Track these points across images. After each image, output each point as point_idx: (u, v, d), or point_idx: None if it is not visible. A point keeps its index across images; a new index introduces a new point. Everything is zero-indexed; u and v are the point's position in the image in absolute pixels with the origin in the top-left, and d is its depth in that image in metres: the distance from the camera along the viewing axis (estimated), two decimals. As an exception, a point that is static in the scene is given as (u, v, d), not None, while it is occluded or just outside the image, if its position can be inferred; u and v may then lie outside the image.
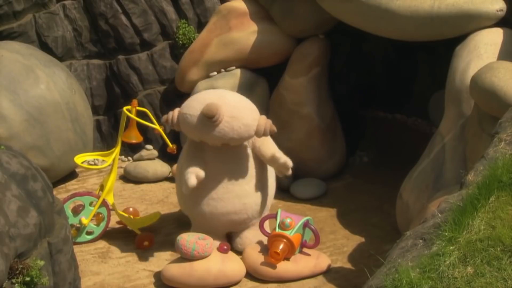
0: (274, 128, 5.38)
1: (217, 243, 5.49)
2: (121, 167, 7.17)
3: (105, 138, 7.67)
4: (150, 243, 5.84)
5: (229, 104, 5.33)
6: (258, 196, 5.60)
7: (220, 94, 5.54)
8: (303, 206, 6.48)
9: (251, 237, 5.68)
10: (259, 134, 5.35)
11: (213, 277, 5.29)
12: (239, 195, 5.51)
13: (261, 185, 5.62)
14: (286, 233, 5.35)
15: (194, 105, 5.37)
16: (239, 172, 5.52)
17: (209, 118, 5.20)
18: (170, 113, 5.46)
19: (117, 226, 6.12)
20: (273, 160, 5.47)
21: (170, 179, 7.11)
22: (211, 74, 7.13)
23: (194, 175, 5.25)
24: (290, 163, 5.43)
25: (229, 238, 5.73)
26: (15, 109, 6.48)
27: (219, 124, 5.24)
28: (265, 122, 5.37)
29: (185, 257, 5.31)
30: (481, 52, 5.43)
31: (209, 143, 5.41)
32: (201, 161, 5.42)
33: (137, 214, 6.24)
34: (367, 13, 5.94)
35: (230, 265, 5.37)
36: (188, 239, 5.27)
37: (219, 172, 5.48)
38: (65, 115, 6.84)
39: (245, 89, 7.04)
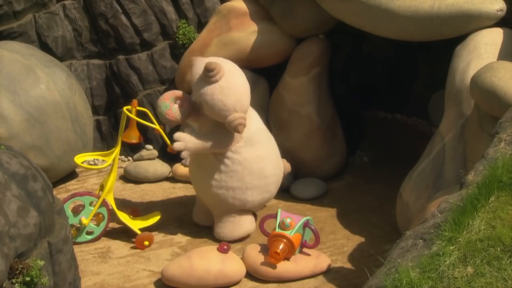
0: (241, 131, 5.52)
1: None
2: (121, 167, 7.17)
3: (105, 138, 7.67)
4: (150, 243, 5.85)
5: (233, 78, 5.59)
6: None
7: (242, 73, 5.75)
8: (303, 206, 6.47)
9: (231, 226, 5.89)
10: (229, 125, 5.51)
11: (213, 277, 5.29)
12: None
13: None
14: (286, 233, 5.35)
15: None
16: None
17: (207, 71, 5.47)
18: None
19: (117, 226, 6.12)
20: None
21: (170, 179, 7.11)
22: (211, 74, 7.13)
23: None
24: (177, 146, 5.50)
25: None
26: (15, 109, 6.48)
27: (212, 83, 5.50)
28: (239, 118, 5.48)
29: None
30: (481, 52, 5.43)
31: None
32: None
33: (137, 214, 6.24)
34: (367, 13, 5.94)
35: (230, 265, 5.37)
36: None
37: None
38: (65, 115, 6.83)
39: (245, 89, 7.04)
